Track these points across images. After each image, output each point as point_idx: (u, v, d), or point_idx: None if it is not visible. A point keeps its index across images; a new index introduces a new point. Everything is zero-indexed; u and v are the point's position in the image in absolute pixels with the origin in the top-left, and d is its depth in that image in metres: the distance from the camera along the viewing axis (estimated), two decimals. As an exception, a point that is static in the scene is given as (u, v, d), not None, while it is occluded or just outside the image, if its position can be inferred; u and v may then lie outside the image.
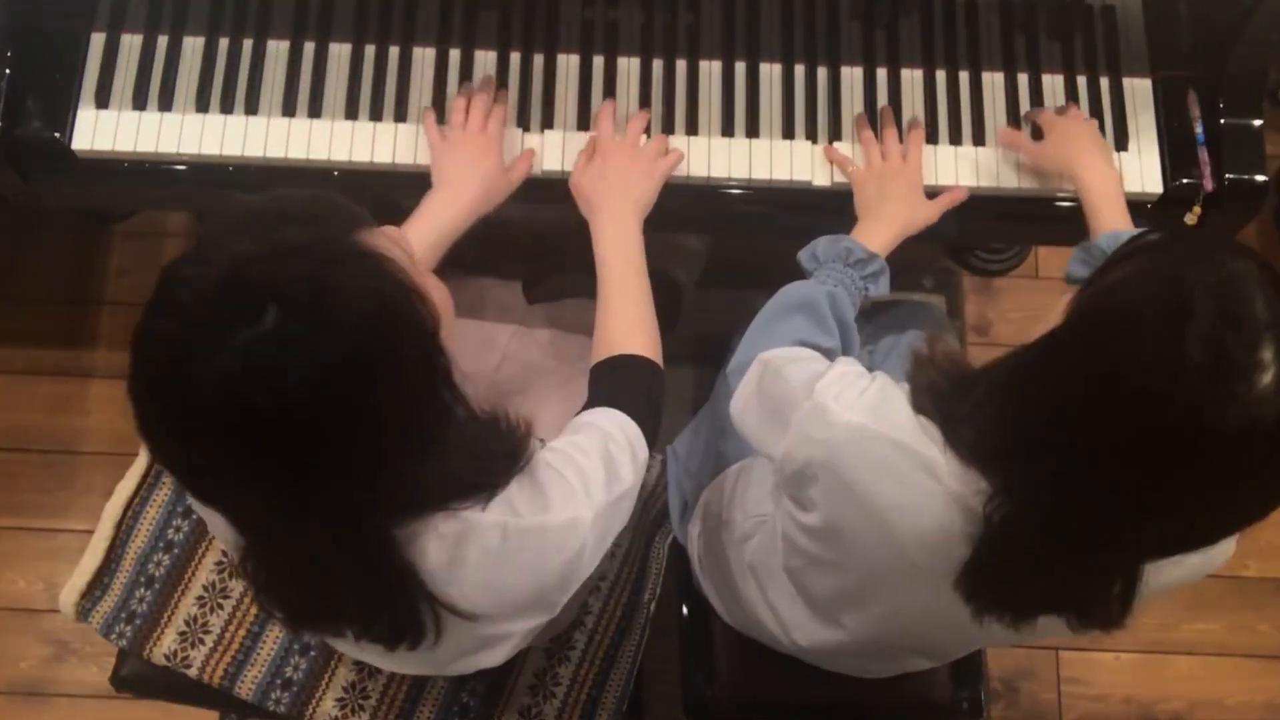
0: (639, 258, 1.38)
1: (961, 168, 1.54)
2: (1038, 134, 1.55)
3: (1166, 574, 1.11)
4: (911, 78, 1.58)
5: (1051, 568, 1.03)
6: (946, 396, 1.07)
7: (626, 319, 1.33)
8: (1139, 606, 1.14)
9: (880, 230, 1.44)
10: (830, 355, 1.29)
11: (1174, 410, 0.87)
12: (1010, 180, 1.54)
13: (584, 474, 1.11)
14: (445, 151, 1.46)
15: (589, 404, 1.27)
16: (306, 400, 0.85)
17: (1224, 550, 1.14)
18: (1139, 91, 1.59)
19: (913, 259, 1.48)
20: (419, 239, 1.28)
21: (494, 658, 1.27)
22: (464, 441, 1.00)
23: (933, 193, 1.51)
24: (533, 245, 1.74)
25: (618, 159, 1.45)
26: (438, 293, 1.00)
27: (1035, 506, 1.00)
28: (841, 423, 1.11)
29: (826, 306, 1.33)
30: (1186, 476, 0.90)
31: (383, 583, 1.01)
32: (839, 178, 1.53)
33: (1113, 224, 1.40)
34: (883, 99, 1.57)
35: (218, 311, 0.84)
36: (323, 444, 0.88)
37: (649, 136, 1.51)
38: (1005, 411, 1.01)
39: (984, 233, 1.52)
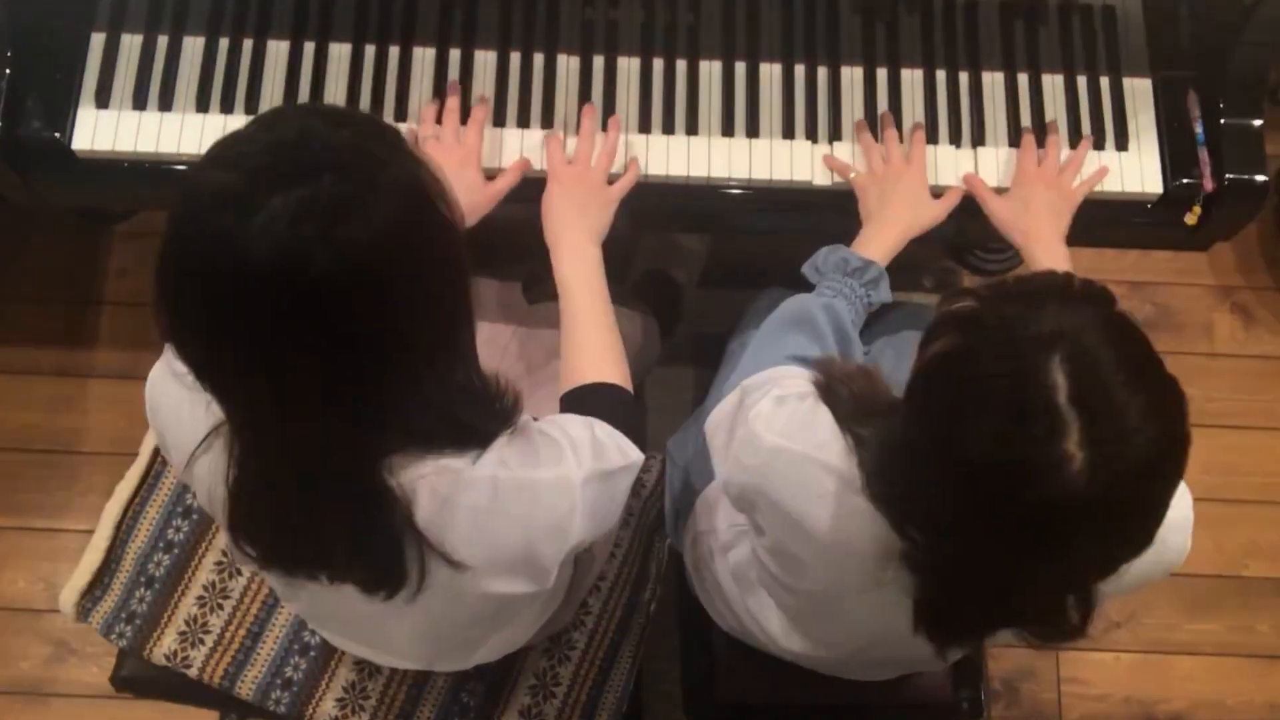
0: (600, 284, 1.38)
1: (962, 168, 1.54)
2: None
3: (1111, 583, 1.11)
4: (911, 78, 1.58)
5: (981, 606, 1.05)
6: (859, 428, 1.09)
7: (592, 348, 1.33)
8: (1098, 610, 1.14)
9: (882, 234, 1.44)
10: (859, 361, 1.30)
11: (995, 493, 0.90)
12: (1008, 180, 1.54)
13: (573, 440, 1.13)
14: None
15: None
16: (358, 264, 0.87)
17: (1173, 550, 1.15)
18: (1139, 91, 1.59)
19: (913, 259, 1.48)
20: None
21: (491, 647, 1.28)
22: (467, 389, 1.03)
23: (935, 193, 1.51)
24: (532, 245, 1.74)
25: (570, 186, 1.44)
26: (454, 196, 1.02)
27: (936, 565, 1.02)
28: (768, 447, 1.14)
29: (823, 319, 1.33)
30: (1036, 539, 0.92)
31: (369, 514, 1.01)
32: (839, 177, 1.53)
33: None
34: (883, 99, 1.57)
35: (279, 167, 0.87)
36: (363, 315, 0.89)
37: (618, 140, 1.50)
38: (896, 469, 1.03)
39: (984, 232, 1.52)
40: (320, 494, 1.00)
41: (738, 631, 1.49)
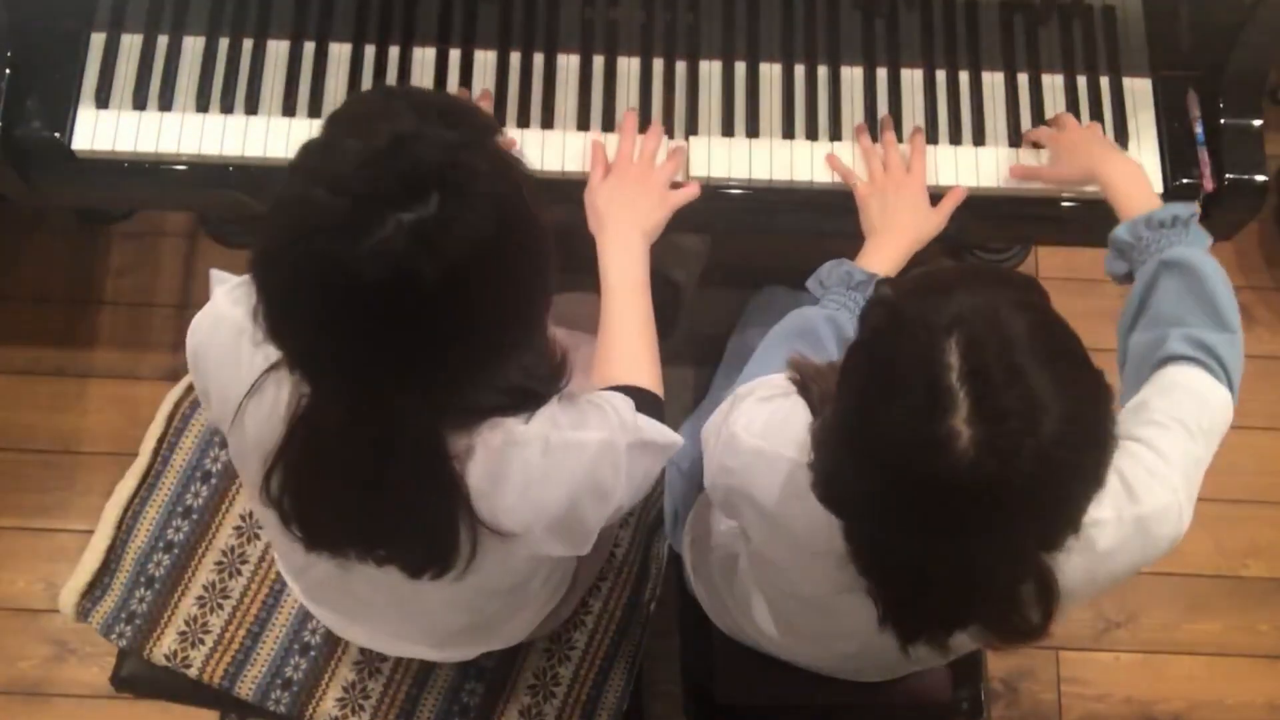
0: (644, 283, 1.39)
1: (962, 168, 1.54)
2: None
3: (1097, 570, 1.11)
4: (911, 78, 1.58)
5: (924, 598, 1.05)
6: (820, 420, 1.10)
7: (628, 348, 1.35)
8: (1074, 604, 1.13)
9: (886, 249, 1.44)
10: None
11: (899, 473, 0.92)
12: (1008, 180, 1.54)
13: (617, 409, 1.16)
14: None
15: None
16: (461, 272, 0.91)
17: (1160, 539, 1.13)
18: (1139, 91, 1.59)
19: (913, 259, 1.48)
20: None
21: (501, 635, 1.31)
22: (537, 358, 1.07)
23: (934, 194, 1.51)
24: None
25: (634, 182, 1.45)
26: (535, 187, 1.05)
27: (872, 544, 1.03)
28: (746, 448, 1.16)
29: (826, 331, 1.34)
30: (942, 522, 0.93)
31: (433, 492, 1.04)
32: (839, 178, 1.53)
33: (1134, 210, 1.37)
34: (883, 99, 1.57)
35: (387, 190, 0.89)
36: (464, 315, 0.94)
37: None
38: (825, 457, 1.04)
39: (984, 233, 1.53)
40: (390, 471, 1.02)
41: (736, 632, 1.49)
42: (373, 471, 1.02)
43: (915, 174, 1.50)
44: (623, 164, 1.47)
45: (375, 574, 1.14)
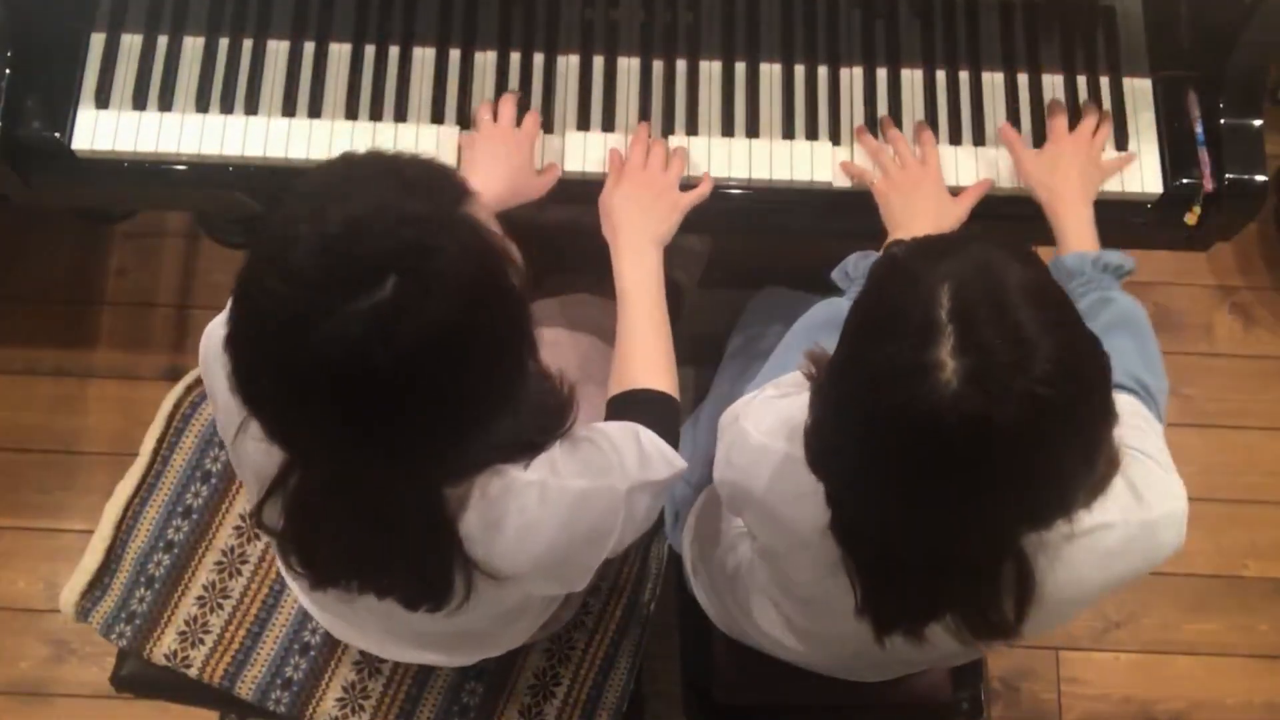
0: (658, 288, 1.39)
1: (962, 168, 1.54)
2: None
3: (1101, 574, 1.11)
4: (911, 78, 1.58)
5: (903, 580, 1.05)
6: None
7: (645, 352, 1.35)
8: (1077, 608, 1.14)
9: None
10: None
11: (882, 414, 0.91)
12: (1010, 180, 1.54)
13: (619, 450, 1.15)
14: (474, 142, 1.47)
15: None
16: (420, 359, 0.89)
17: (1164, 544, 1.13)
18: (1139, 91, 1.59)
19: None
20: None
21: (500, 643, 1.29)
22: (530, 396, 1.04)
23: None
24: (532, 245, 1.74)
25: (647, 189, 1.45)
26: (515, 252, 1.02)
27: (854, 524, 1.03)
28: (752, 445, 1.15)
29: None
30: (919, 472, 0.91)
31: (424, 539, 1.03)
32: (840, 177, 1.53)
33: (1075, 247, 1.40)
34: (883, 99, 1.57)
35: (339, 278, 0.87)
36: (429, 399, 0.92)
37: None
38: (815, 420, 1.04)
39: (984, 232, 1.52)
40: (386, 529, 1.02)
41: (736, 632, 1.49)
42: (370, 523, 1.03)
43: (931, 166, 1.51)
44: (634, 170, 1.47)
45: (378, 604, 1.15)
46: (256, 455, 1.08)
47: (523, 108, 1.52)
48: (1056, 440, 0.90)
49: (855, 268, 1.41)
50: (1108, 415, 0.94)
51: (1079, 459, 0.93)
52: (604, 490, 1.11)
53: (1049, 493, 0.94)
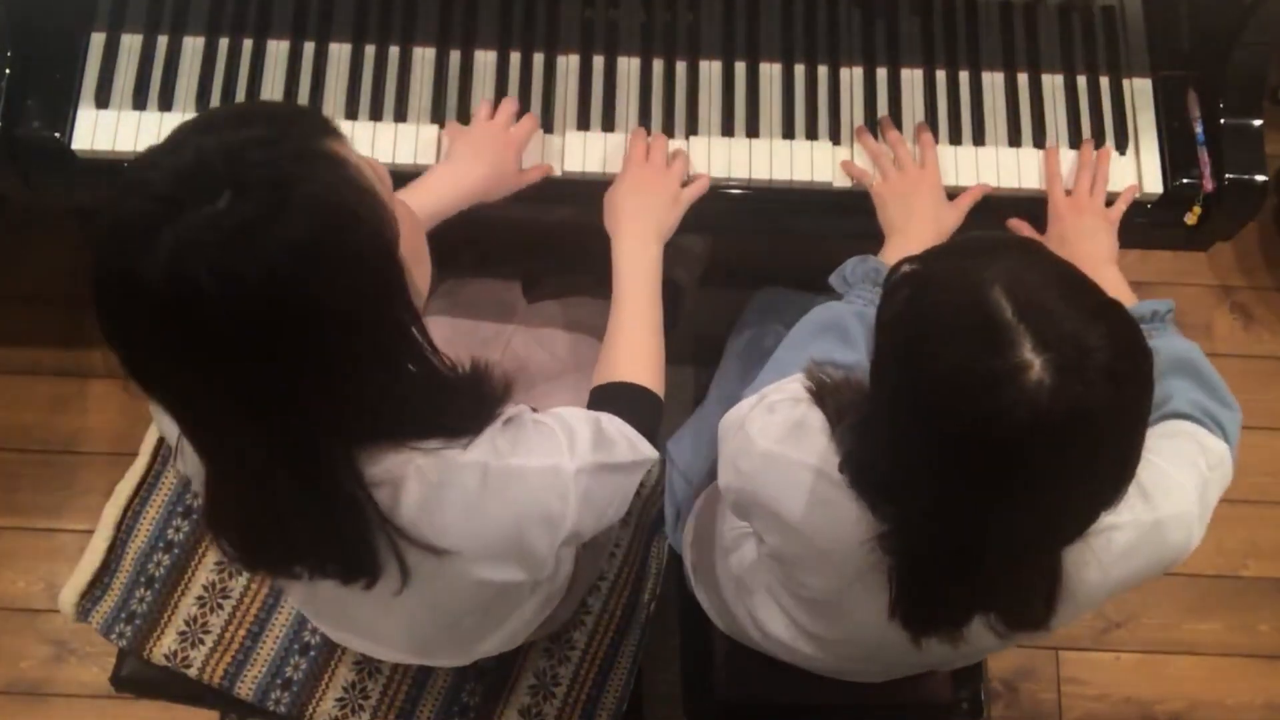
0: (655, 281, 1.39)
1: (962, 168, 1.54)
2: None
3: (1113, 573, 1.12)
4: (911, 78, 1.58)
5: (956, 582, 1.05)
6: (841, 427, 1.10)
7: (633, 345, 1.34)
8: (1090, 606, 1.15)
9: (912, 244, 1.42)
10: (853, 371, 1.29)
11: (970, 425, 0.91)
12: (1010, 180, 1.54)
13: (571, 431, 1.12)
14: (462, 134, 1.47)
15: None
16: (253, 287, 0.85)
17: (1175, 545, 1.15)
18: (1139, 91, 1.59)
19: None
20: (415, 205, 1.25)
21: (492, 643, 1.30)
22: (428, 380, 1.01)
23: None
24: (532, 245, 1.74)
25: (648, 184, 1.45)
26: (403, 211, 0.99)
27: (914, 533, 1.03)
28: (759, 452, 1.15)
29: (856, 325, 1.33)
30: (1012, 476, 0.92)
31: (332, 511, 1.00)
32: (840, 178, 1.53)
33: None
34: (883, 99, 1.57)
35: (175, 192, 0.85)
36: (268, 337, 0.88)
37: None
38: (865, 446, 1.04)
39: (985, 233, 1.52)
40: (278, 494, 0.99)
41: (736, 633, 1.49)
42: (265, 496, 1.00)
43: (930, 169, 1.51)
44: (636, 165, 1.47)
45: (337, 590, 1.12)
46: (195, 461, 1.06)
47: (523, 111, 1.52)
48: (1138, 411, 0.94)
49: (853, 272, 1.40)
50: (1153, 373, 0.96)
51: (1143, 430, 0.96)
52: (550, 469, 1.08)
53: (1127, 469, 0.96)
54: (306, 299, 0.87)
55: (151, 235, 0.85)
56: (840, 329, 1.32)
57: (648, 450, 1.22)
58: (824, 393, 1.14)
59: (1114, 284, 1.44)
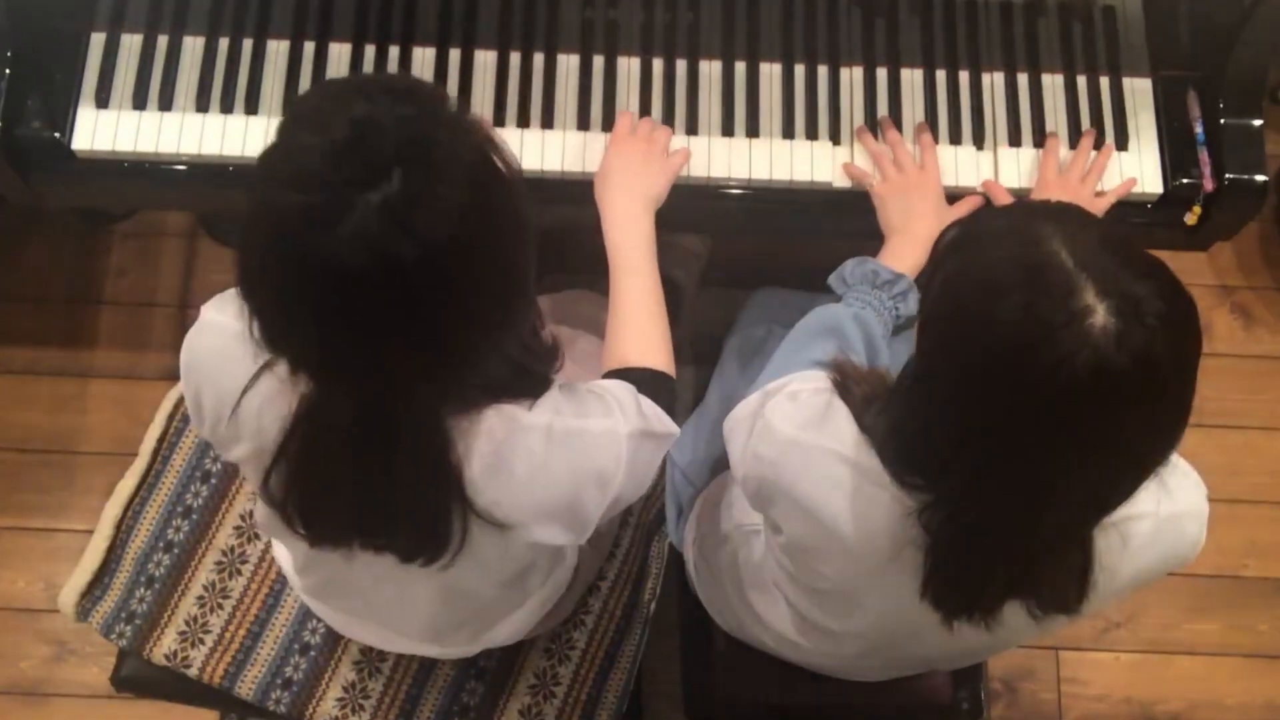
0: (651, 254, 1.40)
1: (962, 167, 1.54)
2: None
3: (1130, 566, 1.12)
4: (911, 78, 1.58)
5: (1000, 557, 1.05)
6: (870, 414, 1.11)
7: (638, 327, 1.35)
8: (1105, 599, 1.15)
9: (910, 249, 1.44)
10: None
11: (1032, 377, 0.91)
12: (1011, 179, 1.54)
13: (619, 400, 1.17)
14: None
15: None
16: (438, 245, 0.91)
17: (1189, 540, 1.16)
18: (1139, 91, 1.59)
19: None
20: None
21: (499, 632, 1.33)
22: (532, 330, 1.08)
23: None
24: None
25: (635, 152, 1.46)
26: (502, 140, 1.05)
27: (961, 504, 1.03)
28: (783, 439, 1.15)
29: (853, 329, 1.33)
30: (1074, 429, 0.92)
31: (425, 478, 1.04)
32: (839, 178, 1.53)
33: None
34: (883, 99, 1.57)
35: (347, 176, 0.89)
36: (448, 288, 0.94)
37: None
38: (911, 417, 1.05)
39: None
40: (394, 460, 1.03)
41: (737, 631, 1.49)
42: (377, 462, 1.03)
43: (930, 171, 1.51)
44: (622, 137, 1.48)
45: (377, 567, 1.15)
46: (254, 426, 1.09)
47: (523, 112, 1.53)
48: (1193, 365, 0.94)
49: (852, 274, 1.41)
50: None
51: (1193, 388, 0.96)
52: (608, 431, 1.13)
53: (1179, 427, 0.96)
54: (482, 242, 0.94)
55: (338, 218, 0.88)
56: (839, 333, 1.33)
57: (673, 426, 1.25)
58: (849, 382, 1.14)
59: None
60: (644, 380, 1.30)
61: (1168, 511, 1.11)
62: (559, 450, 1.10)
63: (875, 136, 1.55)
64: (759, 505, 1.26)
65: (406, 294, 0.92)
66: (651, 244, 1.40)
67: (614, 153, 1.46)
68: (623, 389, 1.20)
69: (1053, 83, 1.59)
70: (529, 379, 1.10)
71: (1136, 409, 0.92)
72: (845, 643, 1.33)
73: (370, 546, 1.12)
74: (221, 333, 1.10)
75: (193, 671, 1.53)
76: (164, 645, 1.54)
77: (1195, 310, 0.94)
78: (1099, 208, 1.50)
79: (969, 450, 0.98)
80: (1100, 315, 0.88)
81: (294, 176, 0.91)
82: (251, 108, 1.52)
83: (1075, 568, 1.06)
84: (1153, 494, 1.09)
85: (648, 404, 1.22)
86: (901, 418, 1.06)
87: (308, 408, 1.02)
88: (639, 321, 1.35)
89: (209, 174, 1.53)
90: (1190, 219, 1.56)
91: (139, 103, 1.52)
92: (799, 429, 1.14)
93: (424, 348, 0.96)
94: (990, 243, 0.97)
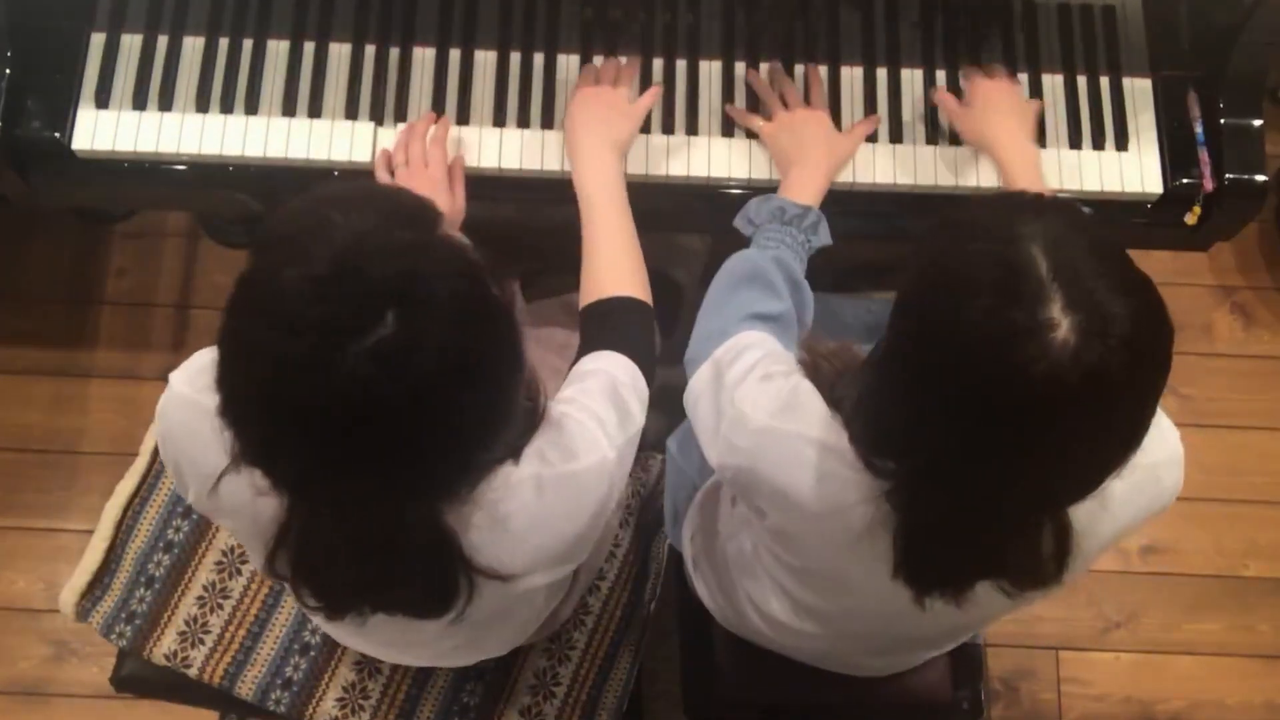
0: (620, 193, 1.40)
1: (962, 167, 1.54)
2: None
3: (1110, 525, 1.12)
4: (911, 77, 1.58)
5: (969, 537, 1.05)
6: (839, 394, 1.11)
7: (611, 258, 1.35)
8: (1089, 561, 1.15)
9: (808, 178, 1.45)
10: (782, 319, 1.31)
11: (988, 375, 0.91)
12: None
13: (600, 419, 1.15)
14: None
15: (582, 349, 1.29)
16: (429, 386, 0.89)
17: (1168, 488, 1.16)
18: (1139, 91, 1.59)
19: (904, 258, 1.48)
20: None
21: (501, 642, 1.32)
22: (520, 418, 1.06)
23: (938, 194, 1.52)
24: (531, 245, 1.74)
25: (600, 99, 1.47)
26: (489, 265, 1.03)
27: (923, 487, 1.03)
28: (756, 427, 1.15)
29: (774, 271, 1.33)
30: (1021, 433, 0.93)
31: (429, 556, 1.04)
32: (840, 178, 1.53)
33: (1029, 183, 1.42)
34: (883, 98, 1.57)
35: (338, 320, 0.86)
36: (439, 425, 0.92)
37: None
38: (875, 395, 1.05)
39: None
40: (391, 553, 1.02)
41: (735, 624, 1.48)
42: (376, 558, 1.02)
43: (816, 103, 1.52)
44: (586, 87, 1.49)
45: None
46: (238, 502, 1.06)
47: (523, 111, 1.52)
48: (1152, 386, 0.94)
49: (758, 212, 1.41)
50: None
51: (1154, 405, 0.96)
52: (597, 464, 1.12)
53: (1134, 439, 0.96)
54: (471, 373, 0.92)
55: (328, 364, 0.86)
56: (762, 278, 1.32)
57: (644, 388, 1.24)
58: (818, 360, 1.15)
59: (1035, 157, 1.47)
60: (623, 312, 1.30)
61: (1146, 462, 1.09)
62: (551, 498, 1.09)
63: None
64: (740, 494, 1.27)
65: (395, 430, 0.90)
66: (620, 184, 1.40)
67: (579, 104, 1.47)
68: (601, 400, 1.18)
69: (1053, 82, 1.59)
70: (518, 440, 1.08)
71: (1085, 421, 0.92)
72: (838, 622, 1.33)
73: (380, 611, 1.11)
74: (192, 410, 1.07)
75: (193, 672, 1.53)
76: (164, 645, 1.54)
77: (1168, 333, 0.94)
78: (1035, 104, 1.53)
79: (926, 434, 0.99)
80: (1063, 329, 0.88)
81: (278, 318, 0.87)
82: (251, 108, 1.52)
83: (1049, 544, 1.06)
84: None
85: (628, 388, 1.21)
86: (866, 394, 1.06)
87: (293, 517, 1.01)
88: (610, 253, 1.35)
89: (209, 174, 1.54)
90: (1190, 219, 1.56)
91: (139, 103, 1.52)
92: (770, 415, 1.15)
93: (413, 471, 0.94)
94: (971, 232, 0.97)
